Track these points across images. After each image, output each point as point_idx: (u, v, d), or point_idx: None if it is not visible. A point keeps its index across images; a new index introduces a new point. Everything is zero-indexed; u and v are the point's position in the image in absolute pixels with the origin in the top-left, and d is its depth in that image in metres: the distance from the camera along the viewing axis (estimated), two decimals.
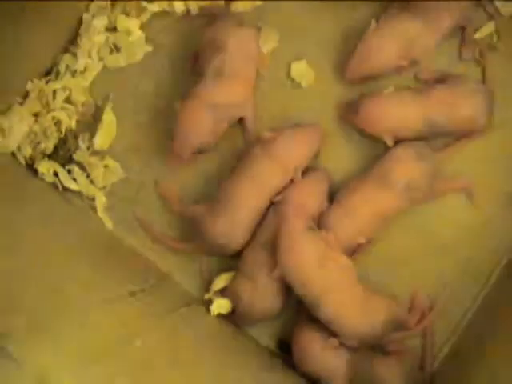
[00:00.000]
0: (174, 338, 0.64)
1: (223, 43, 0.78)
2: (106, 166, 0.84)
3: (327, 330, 0.74)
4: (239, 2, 0.85)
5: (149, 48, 0.84)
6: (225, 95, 0.77)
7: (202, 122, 0.77)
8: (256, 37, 0.81)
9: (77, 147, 0.85)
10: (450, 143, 0.81)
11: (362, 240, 0.77)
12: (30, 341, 0.44)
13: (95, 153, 0.84)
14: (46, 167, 0.83)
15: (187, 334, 0.69)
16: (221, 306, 0.77)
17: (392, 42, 0.79)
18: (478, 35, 0.83)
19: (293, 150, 0.79)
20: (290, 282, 0.74)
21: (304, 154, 0.79)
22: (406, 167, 0.76)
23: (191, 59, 0.84)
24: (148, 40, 0.85)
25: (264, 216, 0.79)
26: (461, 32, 0.83)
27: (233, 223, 0.77)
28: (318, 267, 0.73)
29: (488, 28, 0.83)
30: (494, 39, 0.83)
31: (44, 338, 0.45)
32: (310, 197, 0.78)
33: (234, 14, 0.83)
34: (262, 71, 0.82)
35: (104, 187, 0.84)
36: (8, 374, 0.41)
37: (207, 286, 0.81)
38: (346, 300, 0.73)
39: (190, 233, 0.81)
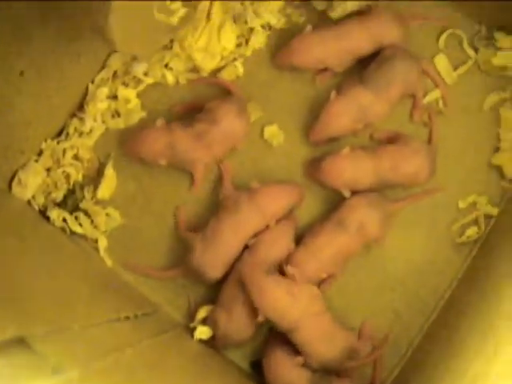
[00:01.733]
0: (161, 354, 0.77)
1: (219, 120, 0.89)
2: (107, 214, 0.95)
3: (293, 351, 0.85)
4: (224, 73, 0.96)
5: (143, 113, 0.97)
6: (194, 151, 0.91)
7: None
8: (244, 125, 0.92)
9: (83, 197, 0.95)
10: (402, 197, 0.92)
11: (324, 276, 0.88)
12: (47, 340, 0.56)
13: (98, 202, 0.95)
14: (56, 214, 0.93)
15: (173, 353, 0.80)
16: (202, 332, 0.87)
17: (349, 110, 0.90)
18: (426, 100, 0.95)
19: (274, 203, 0.89)
20: (269, 318, 0.84)
21: (282, 208, 0.90)
22: (358, 214, 0.87)
23: (187, 106, 0.96)
24: (143, 106, 0.97)
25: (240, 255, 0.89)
26: (412, 97, 0.94)
27: (215, 256, 0.88)
28: (289, 300, 0.83)
29: (434, 94, 0.95)
30: (440, 104, 0.95)
31: (58, 339, 0.57)
32: (277, 243, 0.89)
33: (239, 99, 0.93)
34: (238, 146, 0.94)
35: (105, 231, 0.94)
36: (28, 362, 0.51)
37: (192, 315, 0.91)
38: (316, 326, 0.84)
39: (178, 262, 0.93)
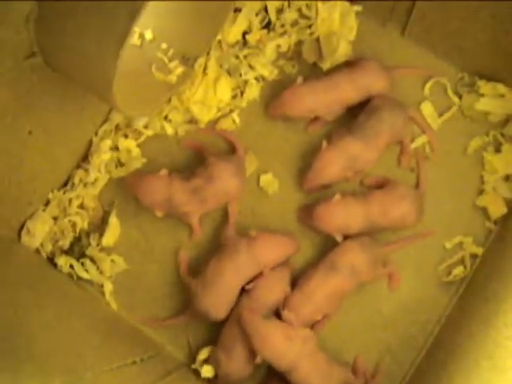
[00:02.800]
0: None
1: (215, 178, 0.95)
2: (112, 260, 1.00)
3: None
4: (222, 124, 1.03)
5: (144, 160, 1.03)
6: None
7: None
8: (239, 184, 0.96)
9: (88, 244, 1.01)
10: (393, 240, 0.97)
11: (319, 317, 0.94)
12: None
13: (103, 249, 1.00)
14: (63, 261, 0.99)
15: None
16: (207, 371, 0.92)
17: (339, 160, 0.95)
18: (413, 145, 1.00)
19: (270, 253, 0.94)
20: (267, 360, 0.89)
21: (277, 258, 0.95)
22: (350, 256, 0.92)
23: (197, 145, 1.03)
24: (144, 156, 1.03)
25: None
26: (399, 144, 1.00)
27: (216, 297, 0.92)
28: (285, 344, 0.88)
29: (421, 140, 1.00)
30: (427, 150, 1.00)
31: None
32: (274, 288, 0.94)
33: (239, 158, 0.99)
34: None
35: (110, 276, 1.00)
36: None
37: (193, 356, 0.97)
38: (312, 365, 0.89)
39: (182, 307, 0.98)
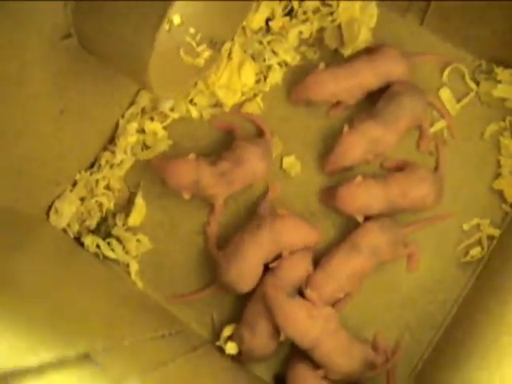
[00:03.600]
0: (195, 369, 0.86)
1: (243, 162, 0.98)
2: (137, 240, 1.03)
3: (314, 365, 0.93)
4: (248, 107, 1.06)
5: (170, 141, 1.06)
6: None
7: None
8: (266, 167, 1.00)
9: (114, 224, 1.04)
10: (413, 221, 1.00)
11: (341, 295, 0.97)
12: (105, 356, 0.64)
13: (129, 229, 1.03)
14: (90, 240, 1.02)
15: (204, 368, 0.89)
16: (232, 347, 0.95)
17: (360, 143, 0.99)
18: (432, 130, 1.04)
19: (290, 235, 0.97)
20: (291, 338, 0.92)
21: (296, 243, 0.97)
22: (371, 237, 0.96)
23: (227, 126, 1.06)
24: (169, 137, 1.06)
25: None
26: (419, 128, 1.03)
27: (239, 270, 0.95)
28: (309, 321, 0.91)
29: (439, 125, 1.04)
30: (445, 134, 1.04)
31: (113, 355, 0.66)
32: (297, 267, 0.97)
33: (266, 142, 1.02)
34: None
35: (136, 256, 1.03)
36: (94, 374, 0.58)
37: (217, 333, 1.00)
38: (334, 342, 0.92)
39: (206, 284, 1.02)
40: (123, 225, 1.04)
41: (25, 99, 0.83)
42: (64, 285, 0.83)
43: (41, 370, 0.53)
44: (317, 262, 0.99)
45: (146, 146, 1.07)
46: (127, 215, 1.04)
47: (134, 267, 1.03)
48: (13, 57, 0.76)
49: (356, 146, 1.00)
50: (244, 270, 0.96)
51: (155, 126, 1.05)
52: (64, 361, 0.57)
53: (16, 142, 0.86)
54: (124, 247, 1.04)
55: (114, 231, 1.04)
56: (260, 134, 1.05)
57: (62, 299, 0.76)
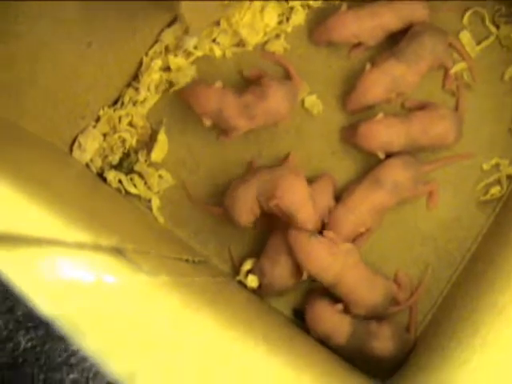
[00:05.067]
0: (218, 291, 0.90)
1: (267, 97, 1.00)
2: (159, 176, 1.05)
3: (333, 299, 0.96)
4: (272, 46, 1.08)
5: (195, 74, 1.09)
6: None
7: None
8: (289, 107, 1.02)
9: (137, 160, 1.06)
10: (433, 160, 1.03)
11: (362, 229, 1.00)
12: (137, 255, 0.67)
13: (151, 165, 1.06)
14: (113, 175, 1.04)
15: (226, 294, 0.91)
16: (253, 280, 0.98)
17: (382, 81, 1.01)
18: (452, 70, 1.05)
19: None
20: (312, 275, 0.95)
21: (285, 203, 0.95)
22: (393, 172, 0.98)
23: (255, 74, 1.07)
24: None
25: None
26: (442, 68, 1.06)
27: (233, 200, 0.98)
28: (330, 258, 0.94)
29: (459, 66, 1.05)
30: (466, 77, 1.06)
31: (144, 257, 0.69)
32: (319, 198, 0.98)
33: (293, 84, 1.04)
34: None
35: (158, 192, 1.05)
36: (127, 266, 0.61)
37: (236, 269, 1.03)
38: (356, 276, 0.95)
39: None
40: (145, 161, 1.07)
41: (56, 28, 0.86)
42: (93, 201, 0.86)
43: (79, 246, 0.55)
44: (338, 198, 1.01)
45: (169, 84, 1.09)
46: (149, 151, 1.06)
47: (155, 202, 1.06)
48: None
49: (378, 84, 1.02)
50: (242, 204, 0.98)
51: (180, 61, 1.07)
52: (98, 246, 0.60)
53: (45, 70, 0.89)
54: (146, 183, 1.06)
55: (137, 167, 1.06)
56: (289, 76, 1.08)
57: (92, 207, 0.79)
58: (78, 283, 0.49)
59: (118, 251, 0.65)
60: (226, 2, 0.97)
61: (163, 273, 0.67)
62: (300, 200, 0.95)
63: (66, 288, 0.46)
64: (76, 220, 0.60)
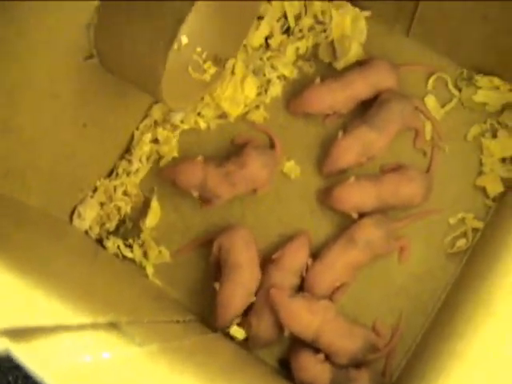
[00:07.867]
0: (207, 348, 1.01)
1: (246, 166, 1.13)
2: (159, 251, 1.17)
3: (315, 350, 1.07)
4: (253, 116, 1.21)
5: (180, 150, 1.21)
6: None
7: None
8: (268, 175, 1.15)
9: (132, 225, 1.19)
10: (403, 217, 1.14)
11: (338, 284, 1.11)
12: (130, 327, 0.77)
13: (145, 230, 1.18)
14: (111, 242, 1.16)
15: (216, 349, 1.03)
16: (238, 331, 1.09)
17: (354, 147, 1.13)
18: (427, 135, 1.17)
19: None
20: (295, 333, 1.06)
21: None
22: (366, 232, 1.09)
23: (243, 140, 1.20)
24: (180, 148, 1.21)
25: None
26: (412, 130, 1.17)
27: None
28: (310, 316, 1.05)
29: (426, 128, 1.18)
30: (435, 137, 1.18)
31: (137, 327, 0.80)
32: (297, 254, 1.11)
33: (271, 154, 1.16)
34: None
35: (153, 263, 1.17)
36: (120, 337, 0.72)
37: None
38: (335, 329, 1.06)
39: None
40: (141, 227, 1.19)
41: (55, 111, 0.99)
42: (91, 276, 0.98)
43: (80, 328, 0.68)
44: (316, 255, 1.13)
45: (159, 155, 1.22)
46: (143, 217, 1.19)
47: (150, 270, 1.17)
48: (44, 74, 0.92)
49: (350, 150, 1.14)
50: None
51: (168, 134, 1.20)
52: (96, 325, 0.72)
53: (47, 150, 1.02)
54: (145, 253, 1.18)
55: (142, 236, 1.19)
56: (272, 145, 1.20)
57: (90, 284, 0.91)
58: (80, 363, 0.61)
59: (113, 326, 0.77)
60: (206, 82, 1.10)
61: (154, 341, 0.80)
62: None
63: (70, 369, 0.58)
64: (77, 300, 0.73)
